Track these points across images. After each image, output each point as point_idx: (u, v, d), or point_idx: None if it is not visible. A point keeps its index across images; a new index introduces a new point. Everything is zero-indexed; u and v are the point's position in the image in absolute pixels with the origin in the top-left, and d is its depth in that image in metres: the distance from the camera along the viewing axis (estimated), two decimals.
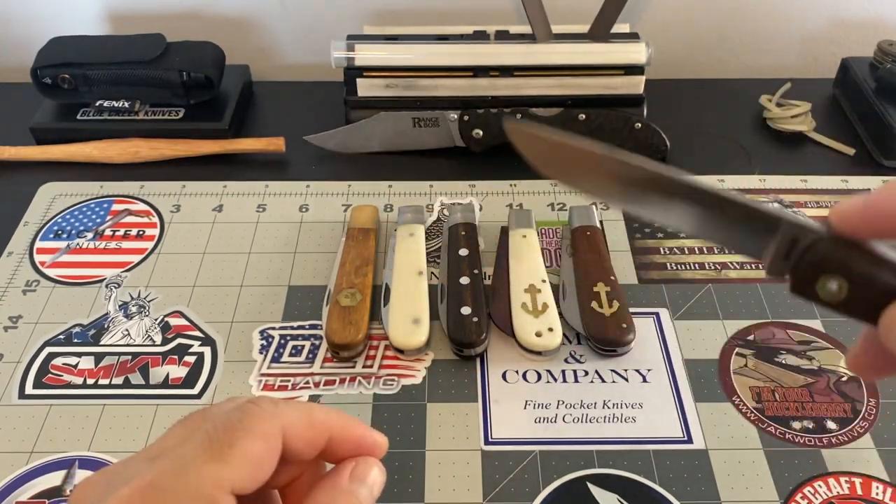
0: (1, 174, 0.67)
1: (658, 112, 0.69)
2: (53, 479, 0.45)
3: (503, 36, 0.69)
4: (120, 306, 0.54)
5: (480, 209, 0.62)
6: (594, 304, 0.51)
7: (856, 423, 0.47)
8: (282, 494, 0.29)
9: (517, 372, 0.50)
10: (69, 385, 0.49)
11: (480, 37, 0.69)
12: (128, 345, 0.52)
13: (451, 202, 0.62)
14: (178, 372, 0.50)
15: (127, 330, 0.53)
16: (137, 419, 0.47)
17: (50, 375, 0.50)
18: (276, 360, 0.51)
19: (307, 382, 0.49)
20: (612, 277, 0.53)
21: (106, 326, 0.53)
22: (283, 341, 0.52)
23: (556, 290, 0.53)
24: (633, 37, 0.69)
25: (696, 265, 0.57)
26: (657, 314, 0.53)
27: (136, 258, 0.58)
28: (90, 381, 0.50)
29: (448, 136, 0.67)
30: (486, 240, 0.58)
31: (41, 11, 0.80)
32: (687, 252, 0.58)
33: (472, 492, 0.44)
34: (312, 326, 0.53)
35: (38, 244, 0.59)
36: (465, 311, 0.51)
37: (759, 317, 0.53)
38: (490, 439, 0.46)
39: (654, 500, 0.43)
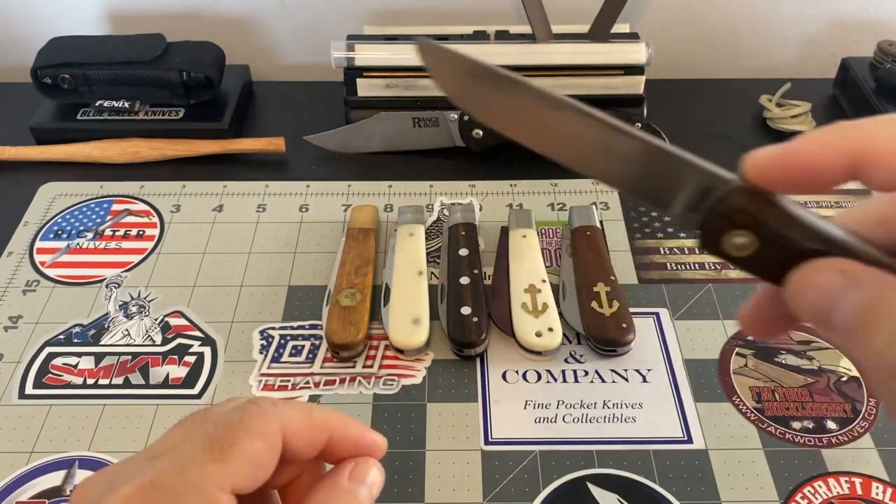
0: (1, 174, 0.67)
1: (658, 112, 0.69)
2: (53, 479, 0.45)
3: (503, 36, 0.69)
4: (120, 306, 0.54)
5: (480, 209, 0.62)
6: (594, 304, 0.51)
7: (856, 423, 0.47)
8: (281, 494, 0.29)
9: (517, 372, 0.50)
10: (69, 385, 0.49)
11: (480, 37, 0.69)
12: (128, 345, 0.52)
13: (451, 202, 0.62)
14: (178, 372, 0.50)
15: (127, 330, 0.53)
16: (137, 419, 0.48)
17: (50, 375, 0.50)
18: (276, 360, 0.51)
19: (307, 382, 0.49)
20: (612, 277, 0.53)
21: (106, 326, 0.53)
22: (283, 341, 0.52)
23: (556, 290, 0.53)
24: (633, 37, 0.69)
25: (696, 265, 0.57)
26: (657, 314, 0.53)
27: (136, 258, 0.58)
28: (90, 381, 0.50)
29: (448, 136, 0.67)
30: (486, 240, 0.58)
31: (41, 11, 0.80)
32: (687, 252, 0.58)
33: (472, 492, 0.44)
34: (312, 326, 0.53)
35: (38, 244, 0.59)
36: (465, 311, 0.51)
37: None
38: (490, 439, 0.46)
39: (654, 500, 0.43)
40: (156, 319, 0.53)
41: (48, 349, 0.52)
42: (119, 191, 0.64)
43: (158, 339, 0.52)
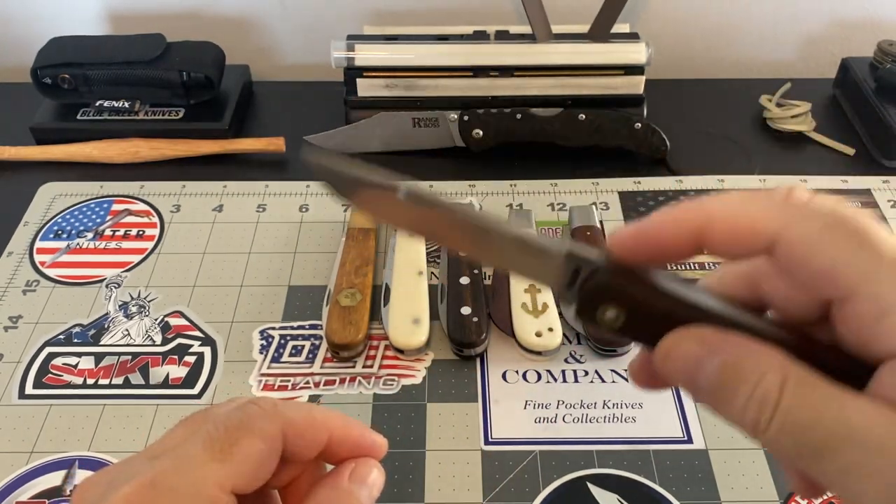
0: (1, 174, 0.67)
1: (658, 112, 0.69)
2: (53, 479, 0.45)
3: (503, 36, 0.69)
4: (120, 306, 0.54)
5: (480, 209, 0.62)
6: None
7: None
8: (282, 494, 0.29)
9: (517, 372, 0.50)
10: (69, 385, 0.49)
11: (480, 37, 0.69)
12: (128, 345, 0.52)
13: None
14: (178, 372, 0.50)
15: (127, 330, 0.53)
16: (137, 419, 0.48)
17: (50, 375, 0.50)
18: (276, 360, 0.51)
19: (307, 382, 0.49)
20: None
21: (106, 326, 0.53)
22: (283, 341, 0.52)
23: None
24: (633, 37, 0.69)
25: (696, 265, 0.57)
26: None
27: (136, 258, 0.58)
28: (90, 381, 0.50)
29: (448, 136, 0.67)
30: None
31: (41, 11, 0.80)
32: None
33: (472, 492, 0.44)
34: (312, 326, 0.53)
35: (38, 244, 0.59)
36: (465, 311, 0.51)
37: None
38: (490, 439, 0.46)
39: (654, 500, 0.43)
40: (156, 319, 0.53)
41: (48, 349, 0.52)
42: (119, 191, 0.64)
43: (158, 339, 0.52)
